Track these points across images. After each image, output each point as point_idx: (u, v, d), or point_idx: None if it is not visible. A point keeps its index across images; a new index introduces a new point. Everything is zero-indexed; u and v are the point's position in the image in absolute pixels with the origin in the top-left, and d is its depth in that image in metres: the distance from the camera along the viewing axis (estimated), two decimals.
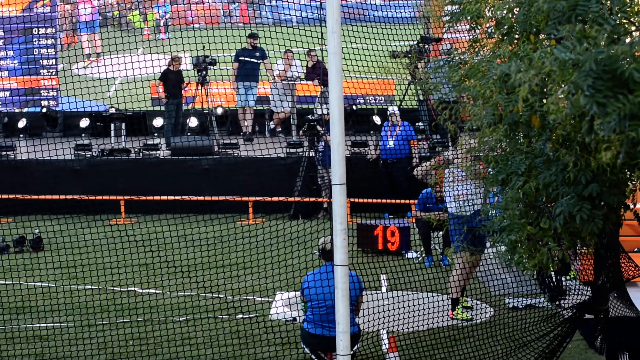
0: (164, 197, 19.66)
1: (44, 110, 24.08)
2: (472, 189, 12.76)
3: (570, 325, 11.27)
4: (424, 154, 20.19)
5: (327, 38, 8.69)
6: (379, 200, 19.89)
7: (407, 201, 19.10)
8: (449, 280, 13.30)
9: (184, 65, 23.46)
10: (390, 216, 19.73)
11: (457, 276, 13.05)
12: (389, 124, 20.40)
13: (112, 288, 14.13)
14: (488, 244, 12.34)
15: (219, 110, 23.72)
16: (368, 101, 24.72)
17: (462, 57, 8.56)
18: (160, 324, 12.79)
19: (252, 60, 23.07)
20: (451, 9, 8.68)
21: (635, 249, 15.28)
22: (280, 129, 24.00)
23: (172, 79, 22.58)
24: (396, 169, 20.10)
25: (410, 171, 17.74)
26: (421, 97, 21.86)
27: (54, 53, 25.00)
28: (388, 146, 20.21)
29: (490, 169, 7.92)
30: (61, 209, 16.48)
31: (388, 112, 20.43)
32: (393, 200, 19.86)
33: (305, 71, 23.85)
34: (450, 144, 19.38)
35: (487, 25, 8.08)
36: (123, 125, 22.39)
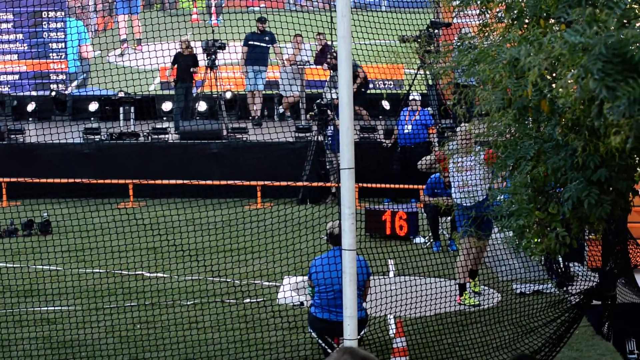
0: (172, 181, 19.67)
1: (53, 93, 24.06)
2: (475, 178, 12.78)
3: (577, 312, 11.27)
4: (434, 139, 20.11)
5: (337, 22, 8.66)
6: (388, 185, 19.87)
7: (415, 187, 19.09)
8: (455, 265, 13.31)
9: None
10: (391, 202, 19.68)
11: (463, 261, 13.06)
12: (408, 110, 20.30)
13: (120, 272, 14.16)
14: (495, 229, 12.34)
15: (228, 95, 23.70)
16: (377, 86, 24.67)
17: (472, 42, 8.53)
18: (168, 307, 12.83)
19: (261, 44, 23.03)
20: None
21: None
22: (289, 114, 23.97)
23: (182, 63, 22.55)
24: (413, 155, 20.01)
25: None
26: (430, 82, 21.79)
27: (63, 37, 24.93)
28: (405, 131, 20.13)
29: (499, 154, 7.90)
30: (70, 193, 16.52)
31: (409, 98, 20.32)
32: (401, 186, 19.83)
33: (314, 55, 23.80)
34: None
35: (497, 9, 8.05)
36: (132, 109, 22.38)
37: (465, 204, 12.84)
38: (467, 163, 12.97)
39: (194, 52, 22.82)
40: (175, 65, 22.58)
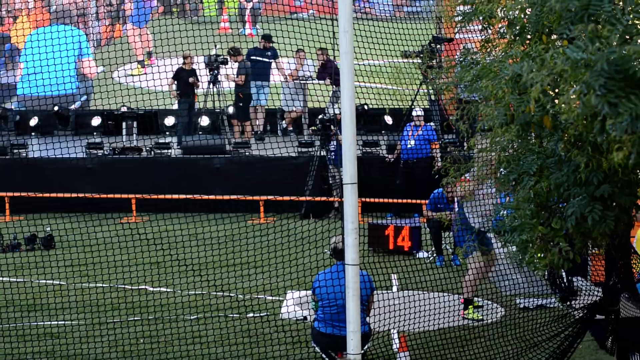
0: (175, 196, 19.68)
1: (56, 108, 24.02)
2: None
3: (581, 326, 11.26)
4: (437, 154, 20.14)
5: (339, 37, 8.69)
6: (391, 200, 19.88)
7: (418, 201, 19.11)
8: (463, 280, 13.29)
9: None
10: (393, 217, 19.68)
11: (471, 277, 13.05)
12: (412, 125, 20.35)
13: (123, 286, 14.15)
14: (498, 244, 12.33)
15: (231, 110, 23.71)
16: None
17: (474, 57, 8.56)
18: (171, 322, 12.81)
19: (264, 59, 23.07)
20: (463, 9, 8.69)
21: None
22: (291, 128, 24.00)
23: (184, 78, 22.55)
24: (416, 169, 20.05)
25: (430, 172, 17.81)
26: (433, 98, 21.82)
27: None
28: (409, 146, 20.17)
29: (502, 169, 7.93)
30: (72, 207, 16.52)
31: (413, 114, 20.36)
32: (404, 200, 19.85)
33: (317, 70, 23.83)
34: (461, 143, 19.37)
35: (499, 25, 8.09)
36: (134, 123, 22.40)
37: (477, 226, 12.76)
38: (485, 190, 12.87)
39: (196, 67, 22.82)
40: (175, 81, 22.59)
